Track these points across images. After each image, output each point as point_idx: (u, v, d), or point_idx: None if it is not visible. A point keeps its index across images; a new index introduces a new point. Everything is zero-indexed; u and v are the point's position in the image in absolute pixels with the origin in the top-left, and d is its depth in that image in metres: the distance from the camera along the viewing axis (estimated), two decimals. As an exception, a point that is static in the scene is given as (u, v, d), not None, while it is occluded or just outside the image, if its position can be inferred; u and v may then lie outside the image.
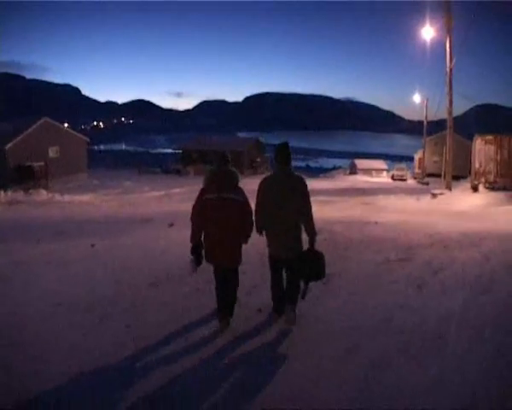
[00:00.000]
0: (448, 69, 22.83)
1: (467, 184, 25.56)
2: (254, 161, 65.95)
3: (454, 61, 22.71)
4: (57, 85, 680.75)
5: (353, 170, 78.49)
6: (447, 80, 22.88)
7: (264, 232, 5.50)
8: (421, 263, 8.04)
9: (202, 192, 5.32)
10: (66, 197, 29.48)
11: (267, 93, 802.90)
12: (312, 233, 5.28)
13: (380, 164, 78.71)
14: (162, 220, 14.65)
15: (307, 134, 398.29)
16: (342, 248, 9.49)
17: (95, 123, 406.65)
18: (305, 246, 5.35)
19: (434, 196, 22.30)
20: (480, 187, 22.32)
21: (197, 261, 5.33)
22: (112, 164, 75.50)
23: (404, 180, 59.33)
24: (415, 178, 63.40)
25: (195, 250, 5.32)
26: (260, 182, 5.52)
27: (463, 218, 14.98)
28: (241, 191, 5.31)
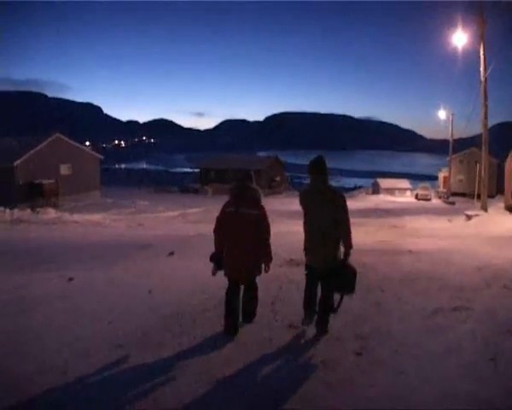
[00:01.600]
0: (482, 78, 20.97)
1: (499, 204, 23.45)
2: (273, 179, 64.30)
3: (489, 69, 20.79)
4: (79, 104, 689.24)
5: (376, 189, 76.16)
6: (481, 90, 21.04)
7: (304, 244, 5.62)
8: (483, 314, 6.18)
9: (225, 205, 5.56)
10: (76, 217, 28.01)
11: (287, 113, 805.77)
12: (348, 247, 5.29)
13: (403, 183, 76.17)
14: (164, 247, 12.98)
15: (327, 154, 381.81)
16: (377, 289, 7.73)
17: (116, 142, 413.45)
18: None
19: (469, 217, 20.32)
20: (520, 207, 20.36)
21: (218, 266, 5.59)
22: (128, 182, 74.68)
23: (429, 200, 57.15)
24: (439, 197, 61.22)
25: (216, 258, 5.58)
26: (300, 193, 5.76)
27: (509, 244, 13.04)
28: (261, 207, 5.46)
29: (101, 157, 47.31)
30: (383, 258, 10.72)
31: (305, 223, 5.61)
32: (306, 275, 5.69)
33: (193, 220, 24.96)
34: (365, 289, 7.41)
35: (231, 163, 65.81)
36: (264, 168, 62.55)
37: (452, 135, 52.78)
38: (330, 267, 5.31)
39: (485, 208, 21.41)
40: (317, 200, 5.38)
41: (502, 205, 23.23)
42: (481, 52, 20.99)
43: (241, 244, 5.36)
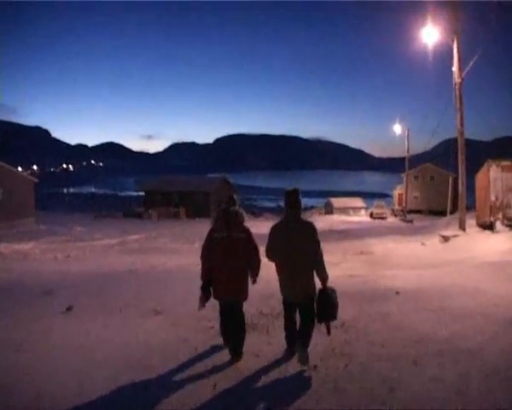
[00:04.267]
0: (457, 79, 18.36)
1: (469, 221, 20.73)
2: (223, 202, 61.05)
3: (468, 68, 18.23)
4: (26, 128, 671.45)
5: (329, 209, 73.83)
6: (457, 93, 18.42)
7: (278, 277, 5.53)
8: None
9: (211, 231, 5.61)
10: (2, 246, 23.94)
11: (237, 134, 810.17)
12: (324, 277, 5.32)
13: (357, 202, 74.10)
14: (71, 293, 9.80)
15: (277, 174, 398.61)
16: (383, 393, 4.58)
17: (64, 166, 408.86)
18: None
19: (446, 239, 17.50)
20: (498, 224, 17.65)
21: (206, 297, 5.59)
22: (74, 207, 69.98)
23: (385, 218, 55.14)
24: (395, 215, 59.41)
25: (205, 288, 5.60)
26: (272, 227, 5.58)
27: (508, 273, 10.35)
28: (246, 230, 5.56)
29: (36, 180, 42.77)
30: (365, 308, 7.77)
31: (278, 258, 5.44)
32: (284, 310, 5.66)
33: (130, 250, 21.41)
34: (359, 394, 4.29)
35: (178, 185, 62.50)
36: (212, 190, 59.46)
37: (408, 150, 50.87)
38: (309, 299, 5.32)
39: (463, 228, 18.66)
40: (291, 233, 5.32)
41: (473, 222, 20.48)
42: (455, 50, 18.46)
43: (232, 268, 5.44)
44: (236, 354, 5.62)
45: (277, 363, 5.40)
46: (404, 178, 56.03)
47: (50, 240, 28.51)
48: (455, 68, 18.56)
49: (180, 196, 59.07)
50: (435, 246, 17.26)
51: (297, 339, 5.36)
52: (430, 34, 20.08)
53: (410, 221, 46.34)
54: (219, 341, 5.96)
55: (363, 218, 58.78)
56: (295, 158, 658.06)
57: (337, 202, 75.84)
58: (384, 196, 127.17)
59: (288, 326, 5.65)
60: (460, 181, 19.11)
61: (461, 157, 18.83)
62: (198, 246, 23.38)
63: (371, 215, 58.66)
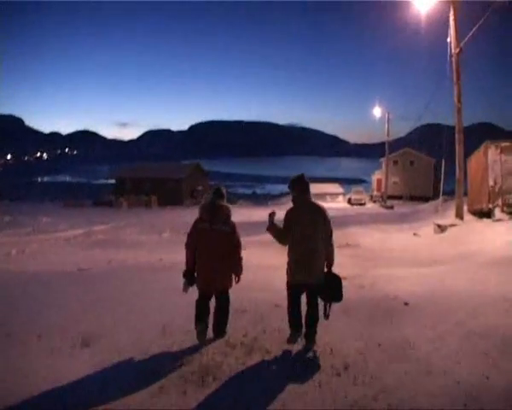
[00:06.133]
0: (454, 51, 16.46)
1: (454, 207, 18.92)
2: (195, 189, 58.71)
3: (466, 38, 16.31)
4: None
5: (305, 195, 71.56)
6: (454, 66, 16.54)
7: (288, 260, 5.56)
8: None
9: (197, 221, 5.69)
10: None
11: (212, 121, 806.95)
12: (332, 261, 5.50)
13: (335, 188, 71.95)
14: None
15: (252, 161, 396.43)
16: None
17: (38, 154, 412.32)
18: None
19: (442, 228, 15.59)
20: (497, 212, 15.86)
21: (189, 283, 5.67)
22: (46, 196, 66.87)
23: (363, 204, 53.59)
24: (374, 201, 57.89)
25: (188, 274, 5.67)
26: (287, 211, 5.60)
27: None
28: (231, 224, 5.68)
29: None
30: (371, 332, 5.90)
31: (291, 241, 5.48)
32: (290, 294, 5.59)
33: (91, 243, 19.17)
34: None
35: (149, 172, 60.09)
36: (184, 177, 57.21)
37: (388, 133, 49.13)
38: (318, 281, 5.37)
39: (460, 216, 16.76)
40: (305, 216, 5.40)
41: (464, 209, 18.61)
42: (451, 18, 16.51)
43: (215, 258, 5.52)
44: (220, 333, 5.80)
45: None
46: (384, 163, 54.38)
47: (11, 232, 26.07)
48: (452, 38, 16.60)
49: (152, 184, 56.74)
50: (430, 237, 15.36)
51: (306, 326, 5.46)
52: (410, 16, 18.51)
53: (391, 207, 44.83)
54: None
55: (340, 204, 56.75)
56: (270, 144, 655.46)
57: (313, 187, 71.80)
58: (361, 181, 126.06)
59: (293, 310, 5.56)
60: (457, 164, 17.15)
61: (458, 136, 16.88)
62: (167, 237, 21.54)
63: (349, 201, 57.01)
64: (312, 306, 5.48)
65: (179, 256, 13.71)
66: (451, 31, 16.56)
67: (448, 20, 16.90)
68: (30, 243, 19.84)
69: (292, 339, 5.49)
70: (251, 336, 5.78)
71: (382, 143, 54.74)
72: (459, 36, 16.74)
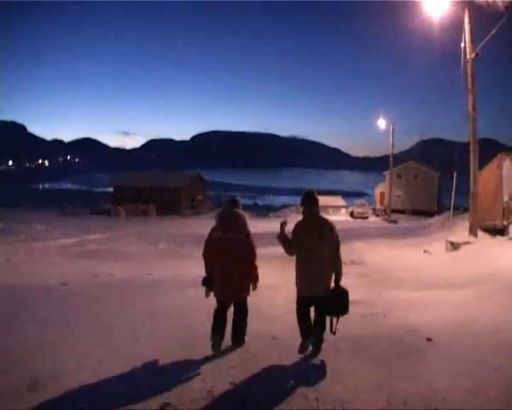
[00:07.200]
0: (469, 56, 15.54)
1: (466, 224, 17.90)
2: (195, 199, 57.71)
3: (483, 43, 15.35)
4: (1, 122, 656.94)
5: (307, 207, 70.49)
6: (468, 72, 15.58)
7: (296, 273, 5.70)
8: None
9: (212, 230, 5.80)
10: None
11: (214, 131, 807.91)
12: (340, 275, 5.57)
13: (337, 201, 70.75)
14: None
15: (253, 172, 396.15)
16: None
17: (40, 161, 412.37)
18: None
19: (455, 246, 14.50)
20: (511, 229, 14.83)
21: (210, 289, 5.75)
22: (46, 204, 65.91)
23: (366, 218, 52.55)
24: (377, 215, 56.83)
25: (207, 281, 5.76)
26: (296, 224, 5.76)
27: None
28: (247, 232, 5.74)
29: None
30: (394, 386, 4.58)
31: (298, 254, 5.65)
32: (298, 306, 5.70)
33: (82, 253, 18.20)
34: None
35: (148, 181, 59.09)
36: (183, 186, 56.20)
37: (393, 146, 48.20)
38: (325, 293, 5.45)
39: (474, 233, 15.66)
40: (313, 230, 5.54)
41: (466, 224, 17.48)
42: (466, 20, 15.51)
43: (231, 268, 5.56)
44: (238, 341, 5.79)
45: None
46: (388, 176, 53.37)
47: (2, 240, 25.21)
48: (467, 43, 15.60)
49: (150, 192, 55.78)
50: (443, 255, 14.25)
51: (313, 335, 5.54)
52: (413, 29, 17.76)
53: (394, 221, 43.83)
54: None
55: (343, 217, 55.71)
56: (272, 156, 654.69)
57: None
58: (363, 194, 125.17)
59: (304, 323, 5.62)
60: (472, 176, 16.04)
61: (473, 146, 15.77)
62: (162, 248, 20.57)
63: (352, 214, 56.05)
64: (319, 317, 5.61)
65: (170, 271, 12.68)
66: (466, 34, 15.58)
67: (460, 25, 16.03)
68: (19, 252, 18.88)
69: (302, 349, 5.51)
70: (239, 385, 4.69)
71: (384, 157, 54.12)
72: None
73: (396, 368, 4.97)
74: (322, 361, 5.31)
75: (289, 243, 5.67)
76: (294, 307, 5.80)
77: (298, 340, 5.57)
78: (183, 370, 5.05)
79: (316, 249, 5.45)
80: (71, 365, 5.13)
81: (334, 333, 5.48)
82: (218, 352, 5.51)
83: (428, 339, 5.86)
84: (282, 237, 5.65)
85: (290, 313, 6.31)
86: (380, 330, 6.39)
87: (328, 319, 5.57)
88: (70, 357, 5.39)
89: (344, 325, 6.81)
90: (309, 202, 5.67)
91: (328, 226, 5.56)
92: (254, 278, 5.82)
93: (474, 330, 6.20)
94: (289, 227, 5.64)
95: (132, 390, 4.51)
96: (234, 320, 5.84)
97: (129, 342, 6.04)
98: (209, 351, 5.53)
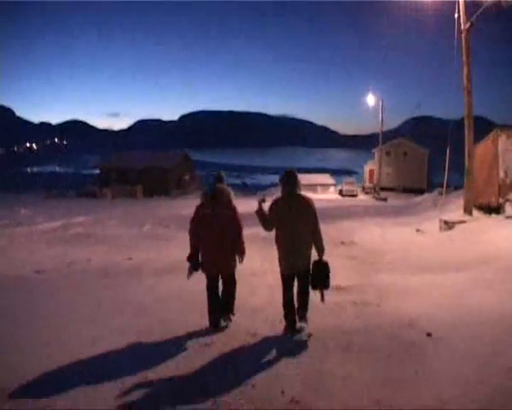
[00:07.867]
0: (463, 26, 14.88)
1: (459, 202, 17.39)
2: (182, 179, 56.90)
3: (479, 11, 14.64)
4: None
5: (296, 186, 69.93)
6: (463, 43, 14.94)
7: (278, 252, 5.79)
8: None
9: (199, 207, 5.88)
10: None
11: (202, 111, 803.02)
12: (321, 249, 5.66)
13: (325, 179, 70.17)
14: None
15: (242, 151, 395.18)
16: None
17: (28, 144, 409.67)
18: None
19: (449, 225, 13.92)
20: (508, 207, 14.27)
21: (194, 267, 5.86)
22: (25, 187, 64.83)
23: (355, 196, 51.99)
24: (366, 193, 56.38)
25: (193, 259, 5.85)
26: (272, 203, 5.80)
27: None
28: (233, 207, 5.86)
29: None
30: (388, 396, 3.87)
31: (279, 232, 5.72)
32: (283, 283, 5.78)
33: (65, 237, 17.50)
34: None
35: (135, 161, 57.95)
36: (171, 166, 55.27)
37: (382, 122, 47.49)
38: (308, 268, 5.64)
39: (469, 211, 15.10)
40: (291, 208, 5.63)
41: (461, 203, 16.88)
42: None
43: (218, 242, 5.70)
44: (227, 311, 5.97)
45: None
46: (377, 154, 52.82)
47: (-16, 226, 24.43)
48: (461, 12, 14.96)
49: (137, 174, 54.73)
50: (436, 234, 13.65)
51: (298, 307, 5.69)
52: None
53: (385, 199, 43.38)
54: None
55: (332, 195, 55.11)
56: (260, 135, 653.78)
57: (304, 178, 71.43)
58: (352, 172, 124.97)
59: (287, 301, 5.75)
60: (466, 151, 15.44)
61: (468, 121, 15.12)
62: (147, 230, 19.88)
63: (341, 193, 55.47)
64: (302, 291, 5.72)
65: (152, 254, 12.06)
66: (460, 4, 14.91)
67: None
68: (0, 237, 18.23)
69: (288, 330, 5.66)
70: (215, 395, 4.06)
71: (373, 135, 53.54)
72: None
73: (393, 371, 4.33)
74: (308, 365, 4.64)
75: (265, 218, 5.77)
76: (277, 296, 5.97)
77: (279, 338, 5.45)
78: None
79: (295, 225, 5.57)
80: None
81: (323, 300, 5.68)
82: (219, 327, 5.76)
83: (428, 334, 5.27)
84: (259, 213, 5.75)
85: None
86: (373, 324, 5.79)
87: (313, 293, 5.75)
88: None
89: (335, 316, 6.25)
90: (287, 179, 5.74)
91: (307, 202, 5.70)
92: (241, 252, 5.96)
93: (477, 322, 5.62)
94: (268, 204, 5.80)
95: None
96: (223, 292, 6.01)
97: (86, 343, 5.44)
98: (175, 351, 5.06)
